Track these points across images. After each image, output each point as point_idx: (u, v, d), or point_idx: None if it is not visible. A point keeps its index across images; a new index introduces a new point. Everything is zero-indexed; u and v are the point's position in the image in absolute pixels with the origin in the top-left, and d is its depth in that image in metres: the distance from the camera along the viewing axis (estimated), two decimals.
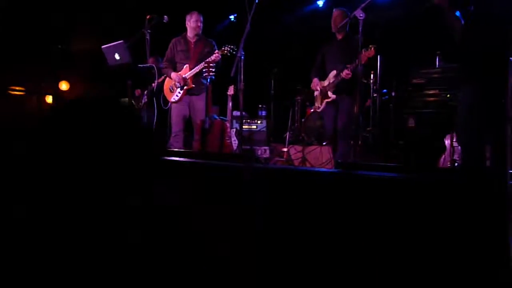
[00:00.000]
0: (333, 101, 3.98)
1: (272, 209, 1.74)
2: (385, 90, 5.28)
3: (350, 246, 1.53)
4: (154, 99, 3.93)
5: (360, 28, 2.71)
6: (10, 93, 6.33)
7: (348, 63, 3.72)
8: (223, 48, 3.83)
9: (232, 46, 3.80)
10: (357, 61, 3.53)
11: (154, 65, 3.78)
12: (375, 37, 5.79)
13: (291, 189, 1.78)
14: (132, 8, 5.58)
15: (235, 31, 3.70)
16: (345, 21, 3.57)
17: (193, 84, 4.01)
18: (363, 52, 3.50)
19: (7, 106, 6.05)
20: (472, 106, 2.28)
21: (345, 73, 3.74)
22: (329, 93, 3.99)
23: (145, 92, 4.68)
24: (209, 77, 3.78)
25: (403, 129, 4.88)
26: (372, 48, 3.55)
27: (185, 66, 4.07)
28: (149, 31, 3.81)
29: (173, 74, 4.09)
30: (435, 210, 1.43)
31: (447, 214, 1.41)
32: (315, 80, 4.13)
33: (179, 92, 4.06)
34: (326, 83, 4.05)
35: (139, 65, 3.82)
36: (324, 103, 4.08)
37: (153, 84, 3.96)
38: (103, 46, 3.69)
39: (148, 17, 3.87)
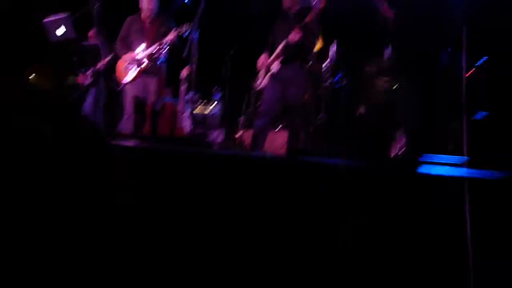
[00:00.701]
0: (279, 76, 3.58)
1: (221, 195, 1.72)
2: (337, 78, 5.36)
3: (297, 230, 1.55)
4: (103, 80, 3.73)
5: (314, 16, 2.73)
6: None
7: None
8: (179, 29, 3.70)
9: (190, 24, 3.66)
10: (306, 18, 3.27)
11: (99, 44, 3.57)
12: (328, 25, 5.86)
13: (240, 175, 1.76)
14: None
15: (192, 9, 3.56)
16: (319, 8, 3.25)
17: (150, 63, 3.86)
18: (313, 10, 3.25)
19: None
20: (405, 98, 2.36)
21: (293, 34, 3.33)
22: (274, 65, 3.58)
23: (88, 72, 4.41)
24: (161, 57, 3.64)
25: (354, 117, 5.00)
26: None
27: (141, 46, 3.91)
28: (98, 4, 3.58)
29: (127, 54, 3.92)
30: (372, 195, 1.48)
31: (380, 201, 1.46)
32: (262, 56, 3.75)
33: (134, 72, 3.90)
34: (272, 57, 3.67)
35: (84, 43, 3.60)
36: (267, 77, 3.64)
37: (99, 64, 3.73)
38: (45, 19, 3.43)
39: None
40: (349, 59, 5.25)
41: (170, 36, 3.74)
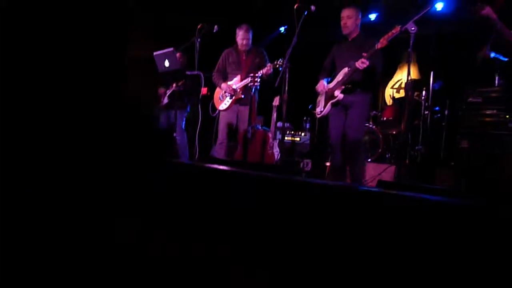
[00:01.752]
0: (341, 104, 3.41)
1: (307, 223, 1.69)
2: (437, 108, 5.04)
3: (391, 270, 1.45)
4: (199, 106, 4.01)
5: (412, 41, 2.59)
6: None
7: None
8: (275, 62, 3.84)
9: (282, 60, 3.74)
10: (377, 45, 3.06)
11: (201, 73, 3.87)
12: (428, 52, 5.59)
13: (327, 205, 1.72)
14: (184, 17, 5.77)
15: (285, 42, 3.69)
16: (395, 34, 2.99)
17: (242, 95, 4.09)
18: (386, 34, 3.01)
19: None
20: None
21: (360, 61, 3.13)
22: (336, 92, 3.39)
23: (167, 93, 4.76)
24: (254, 87, 3.81)
25: (455, 150, 4.62)
26: (398, 27, 2.95)
27: (236, 77, 4.16)
28: (199, 39, 3.90)
29: (223, 85, 4.19)
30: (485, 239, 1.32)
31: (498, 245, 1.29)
32: (320, 82, 3.60)
33: (228, 101, 4.16)
34: (333, 83, 3.50)
35: (187, 72, 3.93)
36: (328, 105, 3.45)
37: (201, 92, 4.04)
38: (154, 53, 3.83)
39: (199, 26, 3.97)
40: (450, 89, 4.92)
41: (265, 70, 3.90)
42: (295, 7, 3.20)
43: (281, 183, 1.89)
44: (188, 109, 4.71)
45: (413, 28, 2.49)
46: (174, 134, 4.66)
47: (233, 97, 4.13)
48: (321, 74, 3.65)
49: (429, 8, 2.65)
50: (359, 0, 5.88)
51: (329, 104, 3.44)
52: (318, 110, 3.59)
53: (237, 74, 4.18)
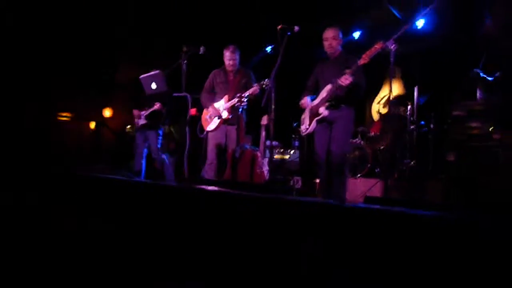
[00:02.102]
0: (326, 120, 3.42)
1: (297, 241, 1.69)
2: (423, 122, 5.12)
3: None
4: (187, 127, 4.01)
5: (392, 58, 2.64)
6: (58, 119, 6.73)
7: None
8: (262, 82, 3.86)
9: (268, 80, 3.74)
10: (359, 61, 3.07)
11: (188, 95, 3.88)
12: (412, 68, 5.71)
13: (315, 222, 1.72)
14: (170, 39, 5.85)
15: (272, 62, 3.73)
16: (377, 50, 2.98)
17: (230, 115, 4.10)
18: (369, 50, 3.01)
19: (54, 131, 6.43)
20: None
21: (344, 78, 3.14)
22: (321, 109, 3.40)
23: (142, 114, 4.81)
24: (240, 107, 3.83)
25: (443, 163, 4.67)
26: (381, 43, 2.96)
27: (224, 98, 4.18)
28: (185, 61, 3.93)
29: (210, 108, 4.20)
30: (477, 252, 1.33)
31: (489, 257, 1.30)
32: (304, 99, 3.62)
33: (216, 121, 4.18)
34: (317, 101, 3.52)
35: (174, 94, 3.94)
36: (313, 122, 3.46)
37: (190, 113, 4.07)
38: (141, 76, 3.85)
39: (184, 48, 4.01)
40: (435, 103, 5.01)
41: (252, 90, 3.92)
42: (278, 28, 3.25)
43: (267, 203, 1.89)
44: (161, 130, 4.78)
45: (393, 45, 2.54)
46: (153, 155, 4.71)
47: (221, 118, 4.15)
48: (305, 93, 3.68)
49: (407, 26, 2.72)
50: (343, 19, 6.06)
51: (314, 121, 3.46)
52: (303, 127, 3.60)
53: (225, 94, 4.21)
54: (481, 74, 2.68)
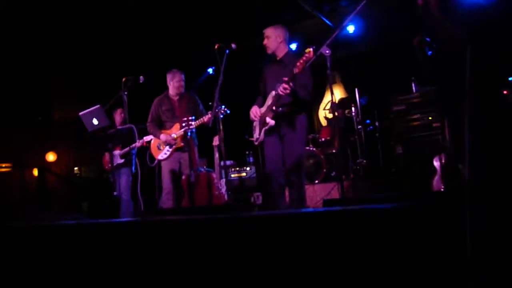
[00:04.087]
0: (275, 129, 3.23)
1: (264, 256, 1.65)
2: (368, 121, 5.32)
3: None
4: (136, 158, 3.88)
5: (329, 63, 2.70)
6: None
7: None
8: (217, 110, 3.67)
9: (225, 109, 3.56)
10: (294, 70, 2.94)
11: (133, 126, 3.77)
12: (350, 72, 5.95)
13: (279, 234, 1.70)
14: (107, 72, 5.69)
15: (214, 83, 3.69)
16: (309, 58, 2.90)
17: (182, 142, 3.98)
18: (302, 57, 2.92)
19: None
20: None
21: (282, 87, 2.99)
22: (267, 118, 3.20)
23: (118, 153, 4.61)
24: (189, 131, 3.75)
25: (392, 157, 4.87)
26: (311, 50, 2.89)
27: (174, 125, 4.07)
28: (125, 92, 3.83)
29: (162, 136, 4.06)
30: (430, 237, 1.36)
31: (441, 241, 1.33)
32: (253, 108, 3.38)
33: (168, 150, 4.05)
34: (264, 108, 3.31)
35: (119, 127, 3.81)
36: (262, 132, 3.28)
37: (135, 144, 3.93)
38: (80, 113, 3.69)
39: (124, 79, 3.90)
40: (376, 102, 5.23)
41: (206, 118, 3.75)
42: (216, 47, 3.25)
43: (228, 223, 1.85)
44: (134, 167, 4.57)
45: (327, 51, 2.62)
46: (121, 193, 4.47)
47: (172, 147, 4.03)
48: (258, 98, 3.48)
49: (339, 31, 2.81)
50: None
51: (263, 131, 3.27)
52: (255, 136, 3.40)
53: (174, 122, 4.08)
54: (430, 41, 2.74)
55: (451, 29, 2.48)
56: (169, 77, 4.15)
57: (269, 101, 3.26)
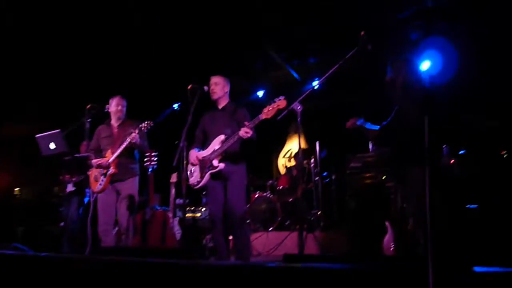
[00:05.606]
0: (221, 175, 3.27)
1: None
2: (325, 174, 5.47)
3: None
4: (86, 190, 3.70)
5: (299, 118, 2.85)
6: None
7: (236, 130, 3.16)
8: (140, 125, 3.64)
9: (149, 122, 3.62)
10: (261, 116, 3.06)
11: (90, 155, 3.63)
12: (312, 124, 6.17)
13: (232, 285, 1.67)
14: (71, 97, 5.53)
15: (177, 119, 3.66)
16: (281, 107, 3.02)
17: (116, 169, 3.71)
18: (270, 105, 3.03)
19: None
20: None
21: (244, 131, 3.08)
22: (215, 162, 3.24)
23: (73, 179, 4.39)
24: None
25: (346, 211, 4.99)
26: (283, 99, 3.03)
27: (108, 152, 3.81)
28: (89, 120, 3.72)
29: (94, 161, 3.78)
30: None
31: None
32: (191, 152, 3.40)
33: (102, 180, 3.74)
34: (209, 151, 3.33)
35: (76, 155, 3.66)
36: (207, 175, 3.28)
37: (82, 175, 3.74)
38: (37, 136, 3.52)
39: (88, 106, 3.81)
40: (334, 156, 5.42)
41: (131, 137, 3.62)
42: (188, 88, 3.29)
43: (181, 269, 1.80)
44: (87, 197, 4.34)
45: (299, 107, 2.75)
46: (68, 224, 4.21)
47: (107, 174, 3.72)
48: (194, 144, 3.49)
49: (310, 90, 2.98)
50: (247, 79, 6.40)
51: (207, 174, 3.27)
52: (193, 180, 3.35)
53: (109, 149, 3.81)
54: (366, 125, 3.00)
55: (410, 103, 2.71)
56: (109, 102, 3.95)
57: (215, 145, 3.30)
